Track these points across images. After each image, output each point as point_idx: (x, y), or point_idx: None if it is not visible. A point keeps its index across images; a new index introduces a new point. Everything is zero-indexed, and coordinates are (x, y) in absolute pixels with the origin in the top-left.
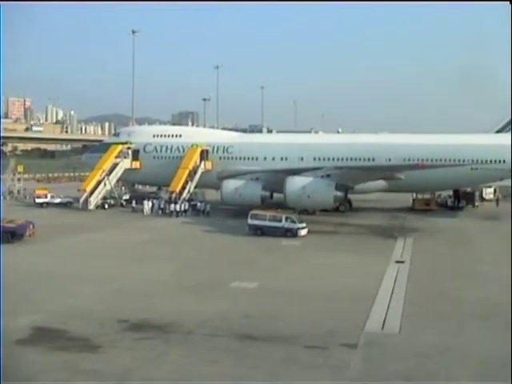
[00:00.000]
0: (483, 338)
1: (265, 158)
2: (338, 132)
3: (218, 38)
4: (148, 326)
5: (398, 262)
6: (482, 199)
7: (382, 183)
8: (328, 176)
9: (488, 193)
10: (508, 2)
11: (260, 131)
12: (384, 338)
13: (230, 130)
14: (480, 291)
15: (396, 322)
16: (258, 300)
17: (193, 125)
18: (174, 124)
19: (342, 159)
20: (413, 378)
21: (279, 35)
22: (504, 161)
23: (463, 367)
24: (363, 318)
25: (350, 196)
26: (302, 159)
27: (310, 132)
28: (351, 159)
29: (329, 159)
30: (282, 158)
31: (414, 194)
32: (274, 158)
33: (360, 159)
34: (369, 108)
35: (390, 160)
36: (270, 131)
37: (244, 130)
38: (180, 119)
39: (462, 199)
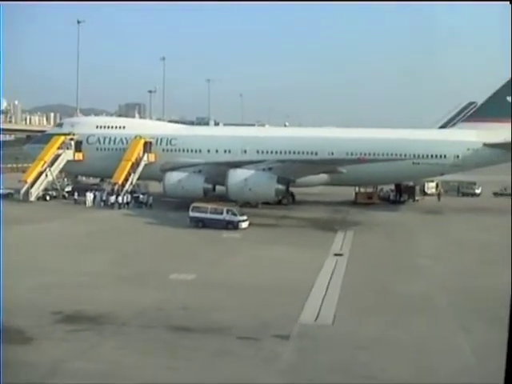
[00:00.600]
0: (418, 329)
1: (208, 151)
2: (285, 125)
3: (165, 30)
4: (82, 317)
5: (336, 254)
6: (425, 193)
7: (324, 177)
8: (270, 169)
9: (430, 187)
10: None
11: (207, 124)
12: (317, 330)
13: (177, 122)
14: (417, 285)
15: (330, 313)
16: (196, 292)
17: (140, 116)
18: (120, 115)
19: (286, 152)
20: (345, 368)
21: (227, 27)
22: (445, 156)
23: (396, 358)
24: (298, 310)
25: (292, 189)
26: (245, 152)
27: (255, 125)
28: (294, 153)
29: (272, 152)
30: (225, 151)
31: (357, 188)
32: (217, 151)
33: (303, 153)
34: (318, 105)
35: (332, 154)
36: (217, 124)
37: (191, 123)
38: (127, 110)
39: (403, 193)
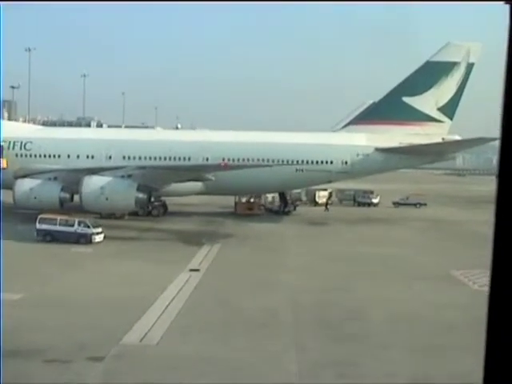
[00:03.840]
0: (253, 346)
1: (68, 156)
2: (177, 128)
3: (34, 20)
4: None
5: (192, 270)
6: (315, 203)
7: (198, 185)
8: (130, 176)
9: (322, 196)
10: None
11: (88, 125)
12: (137, 350)
13: (55, 122)
14: (267, 300)
15: (159, 333)
16: (18, 312)
17: (9, 115)
18: None
19: (155, 158)
20: None
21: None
22: (331, 162)
23: (210, 376)
24: (126, 330)
25: (166, 199)
26: (109, 158)
27: (139, 127)
28: (165, 158)
29: (140, 158)
30: (87, 156)
31: (237, 197)
32: (78, 156)
33: (175, 158)
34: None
35: (207, 159)
36: (100, 125)
37: (70, 124)
38: None
39: (289, 203)
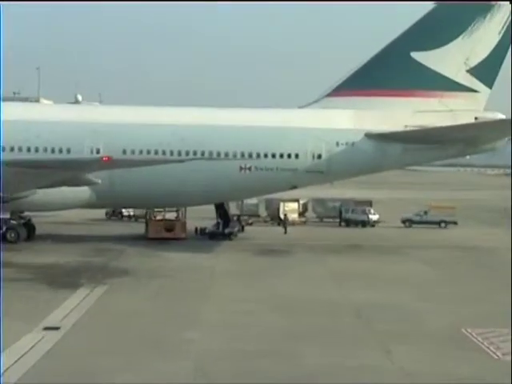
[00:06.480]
0: None
1: None
2: (77, 100)
3: None
4: None
5: (48, 328)
6: (280, 220)
7: (82, 193)
8: None
9: (290, 210)
10: (508, 2)
11: None
12: None
13: None
14: (155, 371)
15: None
16: None
17: None
18: None
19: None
20: None
21: None
22: (296, 155)
23: None
24: None
25: (33, 216)
26: None
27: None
28: (28, 150)
29: None
30: None
31: (149, 213)
32: None
33: (45, 150)
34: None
35: (98, 151)
36: None
37: None
38: None
39: (233, 220)
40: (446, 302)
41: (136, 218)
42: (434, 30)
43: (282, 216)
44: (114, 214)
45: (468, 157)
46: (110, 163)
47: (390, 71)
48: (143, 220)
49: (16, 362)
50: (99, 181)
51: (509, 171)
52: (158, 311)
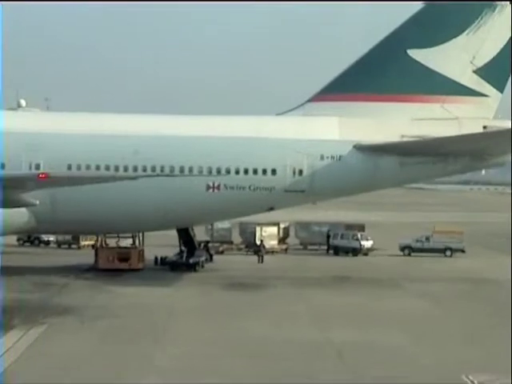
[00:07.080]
0: None
1: None
2: (20, 106)
3: None
4: None
5: None
6: (257, 247)
7: (18, 215)
8: None
9: (268, 235)
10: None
11: None
12: None
13: None
14: None
15: None
16: None
17: None
18: None
19: None
20: None
21: None
22: (273, 171)
23: None
24: None
25: None
26: None
27: None
28: None
29: None
30: None
31: (100, 239)
32: None
33: None
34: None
35: (38, 167)
36: None
37: None
38: None
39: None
40: (445, 344)
41: (59, 244)
42: (437, 24)
43: (258, 242)
44: (29, 240)
45: (483, 172)
46: (47, 181)
47: (383, 72)
48: (66, 247)
49: None
50: (37, 202)
51: None
52: (104, 357)
